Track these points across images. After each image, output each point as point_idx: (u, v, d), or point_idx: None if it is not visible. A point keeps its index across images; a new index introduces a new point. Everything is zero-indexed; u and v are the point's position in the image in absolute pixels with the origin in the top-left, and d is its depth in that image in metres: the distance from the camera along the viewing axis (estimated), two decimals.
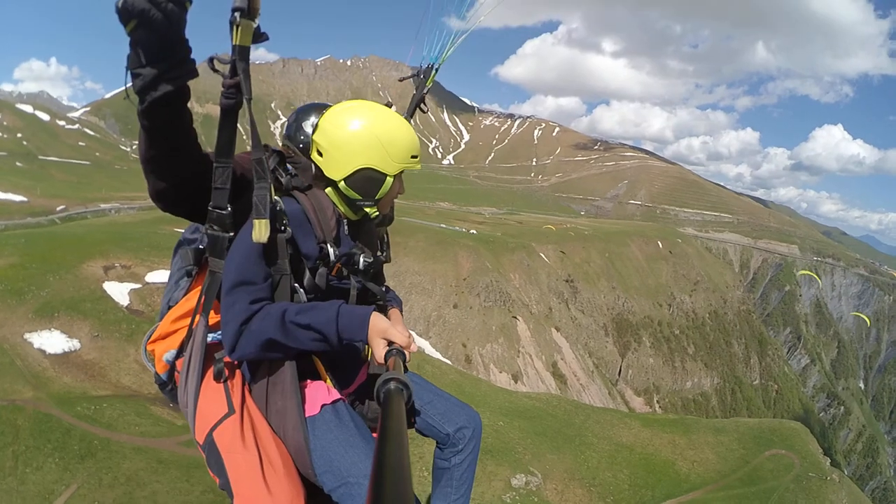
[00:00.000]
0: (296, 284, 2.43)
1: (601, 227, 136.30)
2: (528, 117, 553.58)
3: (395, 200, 2.84)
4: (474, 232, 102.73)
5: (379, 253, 2.88)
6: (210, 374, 2.47)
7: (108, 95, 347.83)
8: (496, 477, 28.40)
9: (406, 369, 2.55)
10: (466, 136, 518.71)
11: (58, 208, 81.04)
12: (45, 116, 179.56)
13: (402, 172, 2.63)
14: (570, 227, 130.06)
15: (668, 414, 59.81)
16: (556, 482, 29.70)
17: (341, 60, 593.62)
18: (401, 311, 2.94)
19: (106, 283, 38.73)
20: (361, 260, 2.62)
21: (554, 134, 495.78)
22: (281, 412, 2.37)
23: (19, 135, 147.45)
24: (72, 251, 40.19)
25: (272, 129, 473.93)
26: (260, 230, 2.19)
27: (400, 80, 3.83)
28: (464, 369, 69.53)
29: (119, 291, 38.12)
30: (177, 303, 2.71)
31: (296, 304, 2.32)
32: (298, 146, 2.94)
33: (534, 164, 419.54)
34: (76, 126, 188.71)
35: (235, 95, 2.17)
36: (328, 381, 2.55)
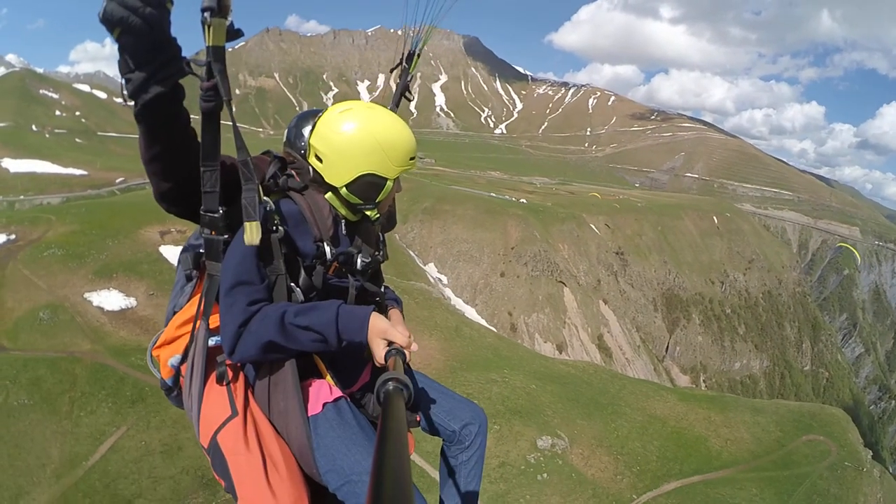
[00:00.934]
0: (292, 284, 2.47)
1: (655, 200, 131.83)
2: (582, 86, 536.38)
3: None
4: (524, 201, 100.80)
5: (376, 252, 2.91)
6: (213, 378, 2.51)
7: None
8: (522, 437, 28.89)
9: (409, 368, 2.76)
10: (519, 105, 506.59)
11: (117, 180, 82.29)
12: (102, 94, 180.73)
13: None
14: (623, 198, 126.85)
15: (708, 391, 58.65)
16: (583, 447, 29.94)
17: (392, 30, 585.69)
18: (401, 311, 3.01)
19: (162, 246, 41.27)
20: (359, 259, 2.69)
21: (609, 103, 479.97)
22: (283, 412, 2.40)
23: (77, 113, 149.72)
24: (129, 218, 42.96)
25: (325, 100, 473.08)
26: (251, 232, 2.23)
27: (391, 71, 3.81)
28: (508, 337, 69.96)
29: (174, 254, 39.56)
30: (181, 308, 2.75)
31: (295, 305, 2.35)
32: (300, 152, 2.91)
33: (588, 133, 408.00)
34: (132, 102, 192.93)
35: (214, 98, 2.18)
36: (330, 379, 2.59)
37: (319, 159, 2.56)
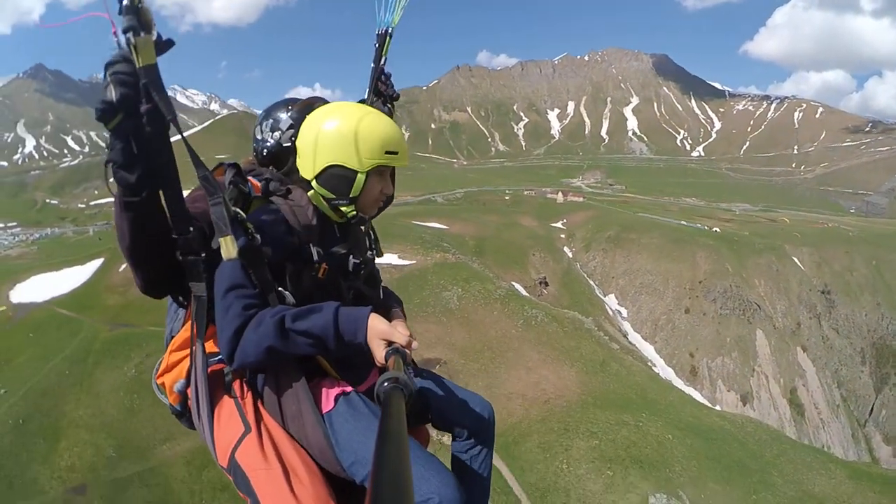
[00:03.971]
0: (281, 289, 2.44)
1: (869, 228, 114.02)
2: (785, 98, 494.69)
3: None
4: (717, 230, 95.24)
5: (369, 252, 2.94)
6: (220, 397, 2.51)
7: None
8: (635, 489, 26.47)
9: (416, 366, 2.80)
10: (717, 125, 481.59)
11: None
12: None
13: (383, 170, 2.64)
14: (832, 226, 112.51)
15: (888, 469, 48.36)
16: None
17: (578, 57, 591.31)
18: (402, 310, 2.96)
19: None
20: (350, 261, 2.67)
21: (817, 116, 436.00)
22: (296, 416, 2.40)
23: None
24: None
25: (515, 130, 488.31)
26: (227, 247, 2.22)
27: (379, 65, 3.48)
28: (687, 382, 65.58)
29: None
30: (177, 333, 2.75)
31: (293, 309, 2.32)
32: (254, 154, 2.96)
33: (795, 152, 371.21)
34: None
35: (157, 120, 2.08)
36: (337, 377, 2.58)
37: (299, 156, 2.63)
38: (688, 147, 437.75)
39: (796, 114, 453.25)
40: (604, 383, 38.75)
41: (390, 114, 3.33)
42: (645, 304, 77.06)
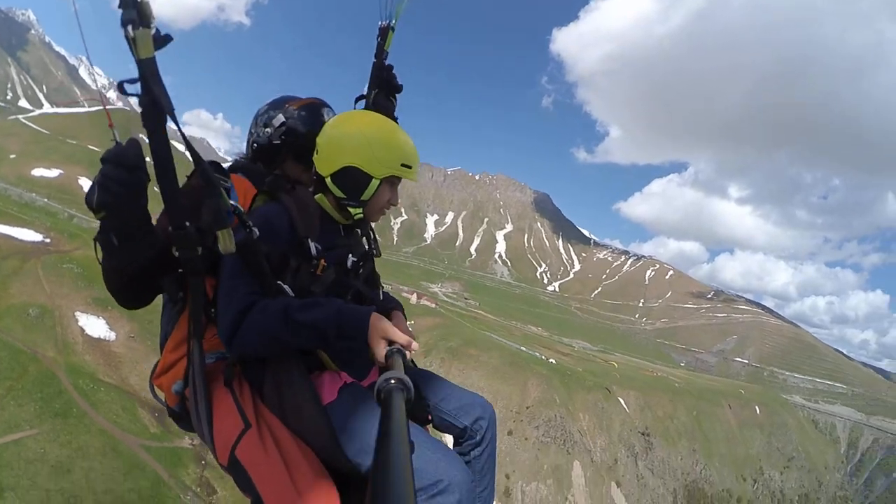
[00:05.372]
0: (279, 283, 2.39)
1: (695, 382, 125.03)
2: (642, 257, 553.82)
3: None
4: (553, 361, 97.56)
5: (368, 250, 2.93)
6: (219, 395, 2.42)
7: None
8: None
9: (415, 366, 2.85)
10: (577, 266, 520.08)
11: None
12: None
13: (395, 181, 2.67)
14: (660, 375, 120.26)
15: None
16: None
17: (471, 174, 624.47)
18: (403, 313, 2.87)
19: None
20: (349, 258, 2.66)
21: (667, 277, 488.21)
22: (297, 409, 2.31)
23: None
24: None
25: (392, 223, 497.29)
26: (224, 241, 2.16)
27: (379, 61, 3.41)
28: (499, 503, 63.89)
29: None
30: (171, 334, 2.66)
31: (297, 301, 2.30)
32: (246, 146, 3.03)
33: (640, 305, 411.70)
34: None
35: (155, 113, 1.99)
36: (337, 370, 2.52)
37: (318, 153, 2.65)
38: (546, 280, 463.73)
39: (649, 272, 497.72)
40: None
41: (394, 106, 3.34)
42: None
